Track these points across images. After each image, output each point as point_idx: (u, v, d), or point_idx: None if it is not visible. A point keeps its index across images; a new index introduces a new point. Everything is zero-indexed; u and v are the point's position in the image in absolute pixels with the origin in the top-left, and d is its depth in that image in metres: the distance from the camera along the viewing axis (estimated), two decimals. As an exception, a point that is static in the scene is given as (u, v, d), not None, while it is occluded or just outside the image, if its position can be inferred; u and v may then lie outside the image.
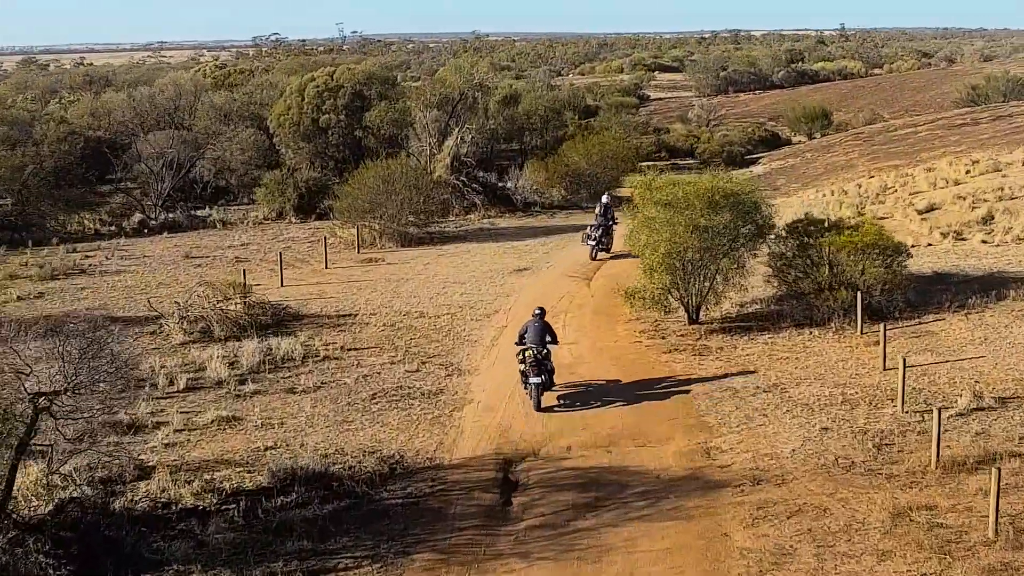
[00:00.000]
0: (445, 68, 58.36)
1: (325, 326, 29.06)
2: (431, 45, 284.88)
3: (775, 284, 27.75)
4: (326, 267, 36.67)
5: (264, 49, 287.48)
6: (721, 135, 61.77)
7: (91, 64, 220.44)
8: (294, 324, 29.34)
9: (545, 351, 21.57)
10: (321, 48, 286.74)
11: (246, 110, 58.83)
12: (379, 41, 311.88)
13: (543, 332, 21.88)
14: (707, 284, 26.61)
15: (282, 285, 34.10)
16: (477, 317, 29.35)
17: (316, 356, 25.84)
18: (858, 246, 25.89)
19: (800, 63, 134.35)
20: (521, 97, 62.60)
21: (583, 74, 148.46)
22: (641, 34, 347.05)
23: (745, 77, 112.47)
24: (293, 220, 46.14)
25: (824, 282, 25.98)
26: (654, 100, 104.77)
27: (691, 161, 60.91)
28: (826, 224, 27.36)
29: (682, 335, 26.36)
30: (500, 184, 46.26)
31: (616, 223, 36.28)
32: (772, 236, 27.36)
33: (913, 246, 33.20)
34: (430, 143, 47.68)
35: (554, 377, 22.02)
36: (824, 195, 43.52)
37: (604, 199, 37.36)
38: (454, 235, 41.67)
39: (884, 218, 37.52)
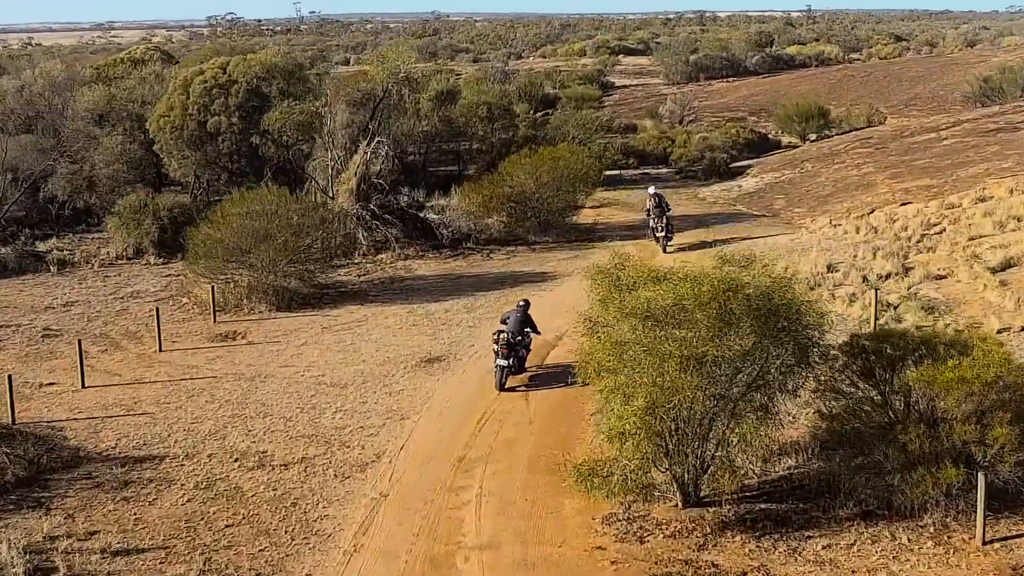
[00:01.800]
0: (367, 58, 46.55)
1: (107, 485, 17.96)
2: (391, 26, 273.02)
3: (824, 427, 16.69)
4: (159, 349, 25.26)
5: (219, 29, 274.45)
6: (700, 137, 50.76)
7: (38, 44, 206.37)
8: (61, 479, 18.23)
9: (520, 339, 22.03)
10: (278, 28, 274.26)
11: (125, 109, 46.97)
12: (337, 22, 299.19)
13: (524, 324, 22.42)
14: (714, 448, 15.49)
15: (83, 386, 22.81)
16: (345, 471, 18.31)
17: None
18: (973, 387, 14.77)
19: (771, 47, 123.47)
20: (460, 93, 51.10)
21: (544, 57, 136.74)
22: (605, 15, 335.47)
23: (717, 63, 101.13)
24: (152, 260, 34.55)
25: (913, 447, 14.87)
26: (619, 88, 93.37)
27: (664, 169, 49.67)
28: (909, 342, 16.14)
29: (673, 534, 15.31)
30: (421, 214, 34.80)
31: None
32: (822, 357, 16.16)
33: (1001, 331, 22.22)
34: (335, 158, 36.16)
35: (525, 362, 22.30)
36: (846, 231, 32.47)
37: (652, 189, 34.66)
38: (354, 290, 30.29)
39: (941, 277, 26.45)
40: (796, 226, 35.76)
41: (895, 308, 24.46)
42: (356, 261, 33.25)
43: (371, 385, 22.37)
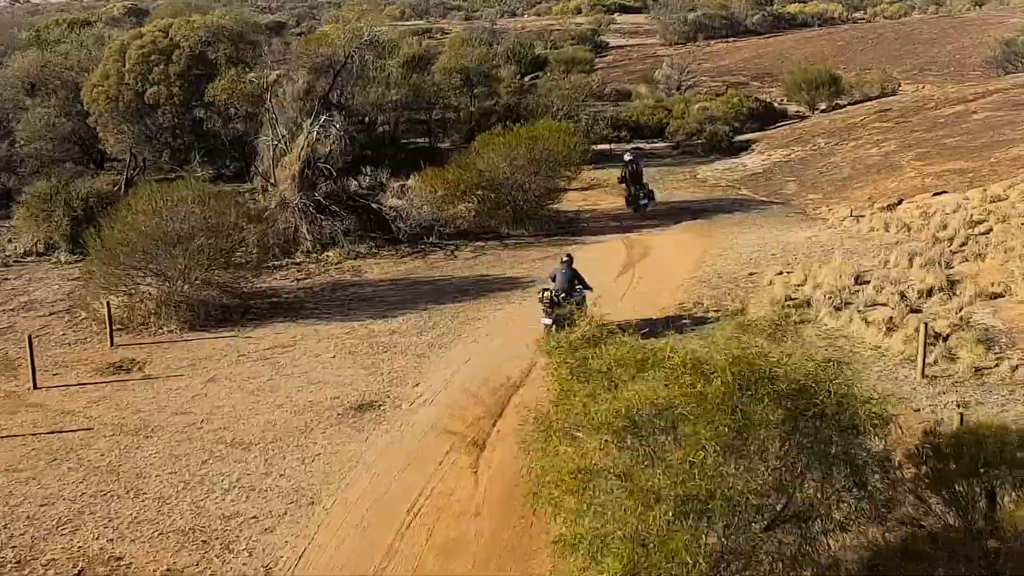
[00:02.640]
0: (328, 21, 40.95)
1: None
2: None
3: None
4: (34, 386, 20.13)
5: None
6: (699, 108, 45.33)
7: (25, 1, 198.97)
8: None
9: (563, 295, 20.53)
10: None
11: (59, 77, 41.51)
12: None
13: (571, 280, 21.07)
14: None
15: (-83, 443, 17.82)
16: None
17: None
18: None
19: (772, 4, 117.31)
20: (435, 58, 45.57)
21: (539, 15, 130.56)
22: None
23: (716, 22, 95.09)
24: (64, 258, 29.34)
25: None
26: (614, 49, 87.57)
27: (660, 144, 44.26)
28: (1006, 450, 10.98)
29: None
30: (375, 206, 29.43)
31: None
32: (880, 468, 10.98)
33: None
34: (280, 136, 30.82)
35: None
36: (872, 226, 27.28)
37: (628, 156, 32.81)
38: (288, 300, 25.08)
39: (997, 296, 21.24)
40: (811, 217, 30.48)
41: (944, 340, 19.28)
42: (297, 261, 28.03)
43: (281, 445, 17.26)
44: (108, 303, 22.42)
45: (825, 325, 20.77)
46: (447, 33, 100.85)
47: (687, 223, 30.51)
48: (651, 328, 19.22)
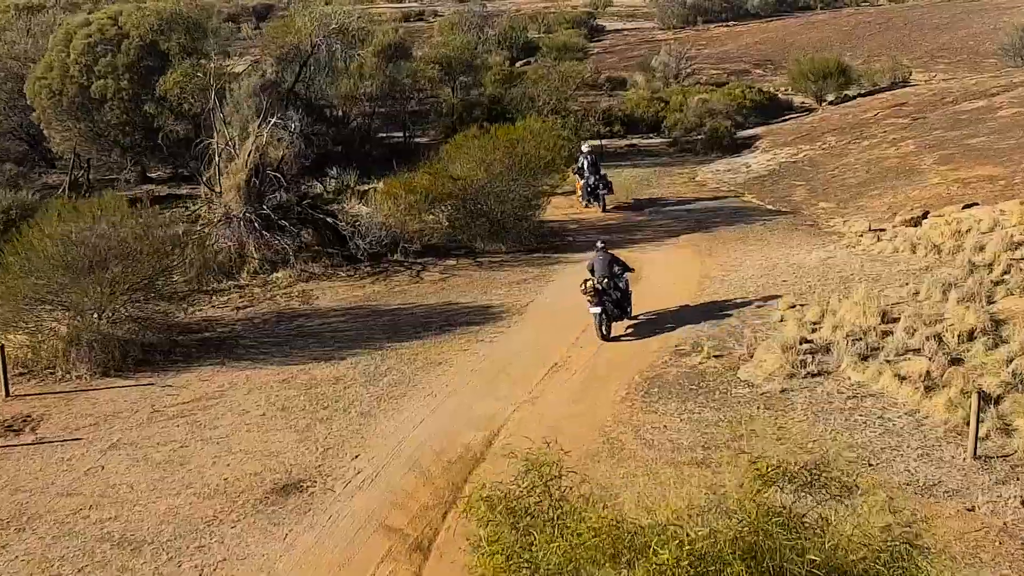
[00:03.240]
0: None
1: None
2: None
3: None
4: (-103, 453, 16.65)
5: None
6: (698, 100, 41.62)
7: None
8: None
9: (607, 281, 19.75)
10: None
11: (4, 68, 37.88)
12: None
13: (610, 265, 20.16)
14: None
15: None
16: None
17: None
18: None
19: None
20: (415, 46, 41.86)
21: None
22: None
23: (716, 5, 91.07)
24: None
25: None
26: (610, 33, 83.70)
27: (656, 139, 40.58)
28: None
29: None
30: (331, 219, 25.76)
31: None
32: None
33: None
34: (229, 138, 27.15)
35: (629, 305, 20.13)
36: (895, 247, 23.67)
37: (585, 148, 31.26)
38: (223, 336, 21.51)
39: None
40: (824, 231, 26.84)
41: (996, 404, 15.70)
42: (241, 284, 24.43)
43: (180, 545, 13.72)
44: (3, 348, 18.80)
45: (848, 379, 17.20)
46: (441, 16, 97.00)
47: (685, 236, 26.90)
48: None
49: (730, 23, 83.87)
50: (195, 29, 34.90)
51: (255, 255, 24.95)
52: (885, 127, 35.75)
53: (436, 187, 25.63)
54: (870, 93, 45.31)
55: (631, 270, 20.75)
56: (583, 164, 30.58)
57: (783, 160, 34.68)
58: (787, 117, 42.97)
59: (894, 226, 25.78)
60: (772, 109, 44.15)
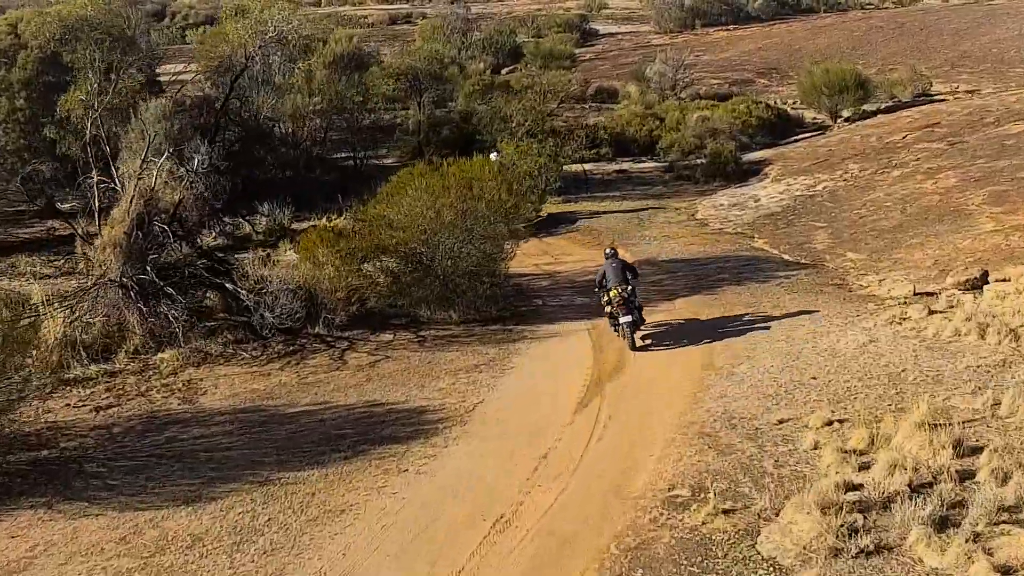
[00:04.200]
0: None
1: None
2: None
3: None
4: None
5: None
6: (698, 118, 36.02)
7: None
8: None
9: (631, 288, 18.64)
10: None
11: None
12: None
13: (623, 271, 18.98)
14: None
15: None
16: None
17: None
18: None
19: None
20: (376, 55, 36.21)
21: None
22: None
23: (715, 7, 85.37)
24: None
25: None
26: (603, 37, 78.09)
27: (650, 164, 34.93)
28: None
29: None
30: (233, 285, 20.02)
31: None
32: None
33: None
34: (129, 174, 21.48)
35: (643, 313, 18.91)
36: (958, 327, 17.93)
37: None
38: (67, 452, 15.85)
39: None
40: (857, 292, 21.18)
41: None
42: (115, 369, 18.77)
43: None
44: None
45: (923, 563, 11.55)
46: (425, 17, 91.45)
47: (683, 301, 21.25)
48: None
49: (730, 27, 78.38)
50: (107, 37, 29.19)
51: (137, 330, 19.27)
52: (917, 153, 30.12)
53: (368, 243, 19.95)
54: (891, 109, 39.65)
55: (637, 276, 19.57)
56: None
57: (798, 193, 29.02)
58: (798, 137, 37.34)
59: (946, 291, 20.13)
60: (782, 127, 38.51)
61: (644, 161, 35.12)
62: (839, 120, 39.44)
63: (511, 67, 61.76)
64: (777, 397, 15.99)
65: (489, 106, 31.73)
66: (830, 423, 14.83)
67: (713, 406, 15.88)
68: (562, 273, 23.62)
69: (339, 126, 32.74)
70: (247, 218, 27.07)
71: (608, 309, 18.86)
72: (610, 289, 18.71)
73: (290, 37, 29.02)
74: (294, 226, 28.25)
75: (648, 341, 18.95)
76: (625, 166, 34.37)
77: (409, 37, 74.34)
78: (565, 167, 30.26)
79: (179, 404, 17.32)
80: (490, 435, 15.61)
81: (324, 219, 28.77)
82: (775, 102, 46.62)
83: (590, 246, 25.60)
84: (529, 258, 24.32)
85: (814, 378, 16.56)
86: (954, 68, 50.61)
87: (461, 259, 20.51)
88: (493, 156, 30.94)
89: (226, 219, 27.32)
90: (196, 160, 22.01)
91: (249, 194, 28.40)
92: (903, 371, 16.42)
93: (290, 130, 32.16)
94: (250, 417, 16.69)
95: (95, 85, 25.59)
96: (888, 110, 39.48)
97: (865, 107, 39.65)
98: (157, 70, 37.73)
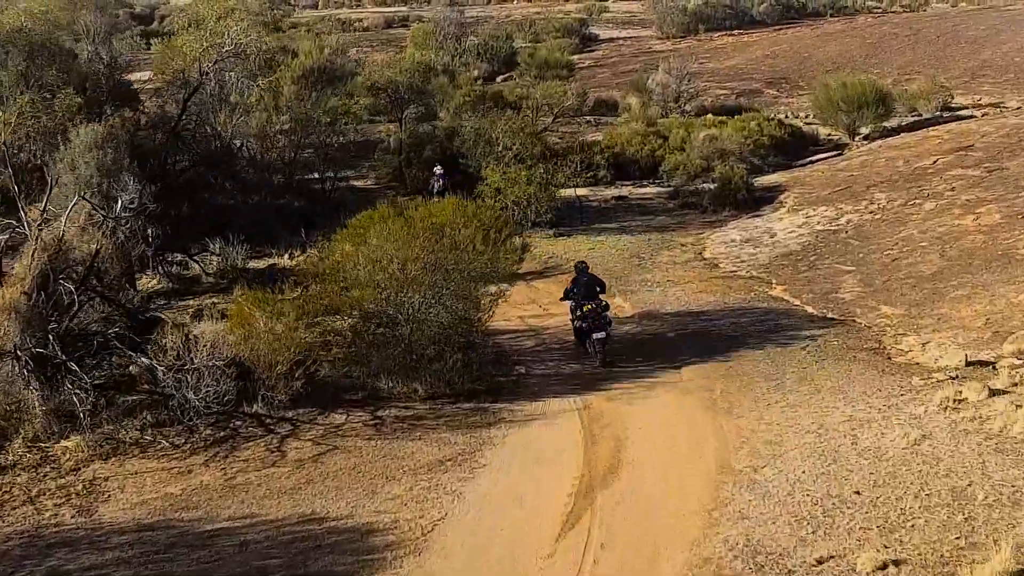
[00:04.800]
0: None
1: None
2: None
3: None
4: None
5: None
6: (705, 137, 32.57)
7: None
8: None
9: (605, 303, 18.36)
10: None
11: None
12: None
13: (593, 285, 18.60)
14: None
15: None
16: None
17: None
18: None
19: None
20: (345, 71, 32.71)
21: (529, 0, 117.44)
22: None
23: (720, 11, 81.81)
24: None
25: None
26: (603, 42, 74.61)
27: (652, 189, 31.46)
28: None
29: None
30: (148, 360, 16.54)
31: None
32: None
33: None
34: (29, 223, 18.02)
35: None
36: (1029, 423, 14.47)
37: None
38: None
39: None
40: (898, 360, 17.73)
41: None
42: (8, 461, 15.37)
43: None
44: None
45: None
46: (425, 22, 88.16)
47: (690, 371, 17.81)
48: None
49: (735, 32, 74.91)
50: (43, 50, 25.78)
51: (39, 410, 15.85)
52: (951, 181, 26.70)
53: (317, 305, 16.54)
54: (914, 126, 36.18)
55: (606, 291, 19.03)
56: (433, 187, 25.49)
57: (820, 227, 25.58)
58: (815, 158, 33.87)
59: (1006, 361, 16.71)
60: (796, 146, 35.04)
61: (646, 185, 31.66)
62: (857, 138, 35.98)
63: (506, 75, 58.48)
64: (813, 521, 12.57)
65: (472, 128, 28.18)
66: (884, 567, 11.43)
67: (733, 532, 12.46)
68: (550, 329, 20.20)
69: (311, 144, 29.20)
70: (195, 257, 23.60)
71: (579, 324, 18.39)
72: (583, 304, 18.20)
73: (249, 51, 25.57)
74: (252, 264, 24.87)
75: (644, 425, 15.59)
76: (625, 191, 30.90)
77: (403, 42, 71.03)
78: (558, 192, 26.81)
79: (73, 516, 13.90)
80: (449, 572, 12.20)
81: (286, 255, 25.43)
82: (787, 115, 43.25)
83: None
84: (513, 308, 20.91)
85: (857, 492, 13.13)
86: (974, 78, 47.16)
87: (428, 323, 17.05)
88: (437, 170, 27.94)
89: (174, 255, 23.90)
90: (121, 202, 18.60)
91: (203, 225, 25.02)
92: (969, 485, 13.00)
93: (256, 151, 28.69)
94: (156, 537, 13.27)
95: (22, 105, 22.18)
96: (911, 127, 36.01)
97: (886, 124, 36.14)
98: (129, 78, 34.47)
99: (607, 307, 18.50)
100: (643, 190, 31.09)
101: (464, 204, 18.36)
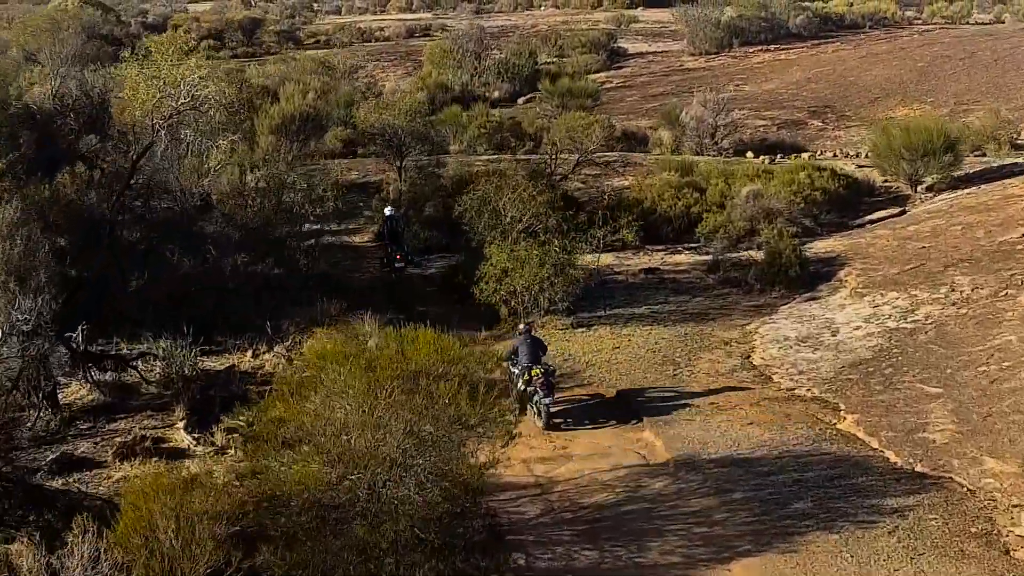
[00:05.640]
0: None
1: None
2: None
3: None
4: None
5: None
6: (748, 193, 27.76)
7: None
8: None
9: (551, 367, 17.87)
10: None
11: None
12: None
13: (536, 349, 18.03)
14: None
15: None
16: None
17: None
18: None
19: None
20: (331, 115, 28.08)
21: (557, 6, 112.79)
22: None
23: (754, 24, 76.64)
24: None
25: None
26: (632, 58, 69.81)
27: (689, 260, 26.66)
28: None
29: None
30: None
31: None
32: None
33: None
34: None
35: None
36: None
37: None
38: None
39: None
40: (1015, 553, 13.00)
41: None
42: None
43: None
44: None
45: None
46: (450, 30, 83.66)
47: (742, 569, 13.12)
48: None
49: (771, 47, 69.83)
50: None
51: None
52: (1049, 263, 21.82)
53: (235, 502, 11.98)
54: (985, 175, 31.22)
55: (547, 350, 18.38)
56: (384, 230, 24.02)
57: (892, 323, 20.79)
58: (874, 216, 29.04)
59: None
60: (852, 200, 30.21)
61: (680, 251, 26.92)
62: (920, 187, 31.10)
63: (529, 96, 53.93)
64: None
65: (474, 196, 23.34)
66: None
67: None
68: (561, 486, 15.57)
69: (287, 208, 24.60)
70: (133, 362, 19.08)
71: (524, 388, 17.60)
72: (530, 367, 17.59)
73: (209, 104, 21.06)
74: (207, 362, 20.38)
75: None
76: (656, 259, 26.16)
77: (423, 55, 66.56)
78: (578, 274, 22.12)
79: None
80: None
81: (251, 350, 20.93)
82: (835, 152, 38.44)
83: (610, 423, 17.62)
84: (515, 448, 16.21)
85: None
86: (1041, 110, 42.10)
87: (399, 517, 12.46)
88: (387, 211, 23.75)
89: (109, 355, 19.45)
90: (2, 330, 14.17)
91: (152, 309, 20.62)
92: None
93: (227, 211, 24.17)
94: None
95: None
96: (981, 175, 31.07)
97: (953, 173, 31.21)
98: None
99: (554, 371, 17.87)
100: (677, 258, 26.36)
101: (447, 343, 13.68)
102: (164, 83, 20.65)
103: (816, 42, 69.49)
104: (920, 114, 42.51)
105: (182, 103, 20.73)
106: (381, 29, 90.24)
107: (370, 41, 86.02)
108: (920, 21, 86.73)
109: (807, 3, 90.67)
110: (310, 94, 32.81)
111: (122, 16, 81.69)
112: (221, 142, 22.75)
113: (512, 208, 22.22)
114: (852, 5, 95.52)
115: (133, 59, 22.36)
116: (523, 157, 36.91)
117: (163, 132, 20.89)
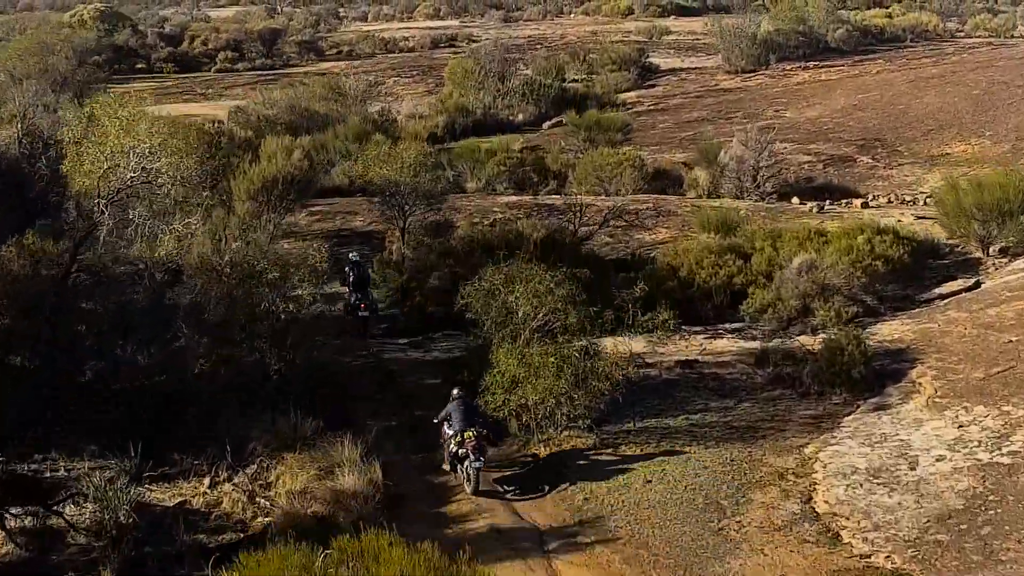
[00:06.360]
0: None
1: None
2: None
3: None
4: None
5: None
6: (802, 263, 23.77)
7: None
8: None
9: (484, 432, 17.11)
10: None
11: None
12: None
13: (471, 412, 17.34)
14: None
15: None
16: None
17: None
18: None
19: (844, 5, 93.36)
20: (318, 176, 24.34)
21: (587, 14, 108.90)
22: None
23: (792, 39, 72.24)
24: None
25: None
26: (664, 75, 65.81)
27: (733, 346, 22.68)
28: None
29: None
30: None
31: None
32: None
33: None
34: None
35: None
36: None
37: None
38: None
39: None
40: None
41: None
42: None
43: None
44: None
45: None
46: (475, 42, 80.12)
47: None
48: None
49: (810, 64, 65.54)
50: None
51: None
52: None
53: None
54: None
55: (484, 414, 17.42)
56: (348, 277, 22.84)
57: (983, 454, 16.78)
58: (943, 290, 24.95)
59: None
60: (915, 269, 26.14)
61: (722, 335, 22.95)
62: (991, 250, 26.99)
63: (556, 120, 50.23)
64: None
65: (482, 288, 19.40)
66: None
67: None
68: None
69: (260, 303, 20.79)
70: (57, 508, 15.39)
71: (455, 451, 16.99)
72: (464, 431, 16.85)
73: (164, 179, 17.35)
74: (153, 493, 16.68)
75: None
76: (695, 347, 22.22)
77: (444, 70, 62.91)
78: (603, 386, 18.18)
79: None
80: None
81: (208, 477, 17.20)
82: (890, 197, 34.39)
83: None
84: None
85: None
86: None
87: None
88: (352, 256, 23.50)
89: (33, 488, 15.78)
90: None
91: (86, 429, 16.96)
92: None
93: (197, 291, 20.40)
94: None
95: None
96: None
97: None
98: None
99: (487, 435, 17.13)
100: (719, 344, 22.40)
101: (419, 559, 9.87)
102: (112, 152, 16.98)
103: (857, 58, 65.28)
104: (979, 151, 38.49)
105: (131, 177, 17.06)
106: (405, 39, 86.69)
107: (393, 52, 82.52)
108: (963, 34, 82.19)
109: (845, 12, 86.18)
110: (296, 152, 28.93)
111: (139, 26, 78.43)
112: (177, 225, 19.00)
113: (525, 303, 18.32)
114: (891, 17, 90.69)
115: (78, 121, 18.67)
116: (546, 201, 33.19)
117: (106, 213, 17.22)
